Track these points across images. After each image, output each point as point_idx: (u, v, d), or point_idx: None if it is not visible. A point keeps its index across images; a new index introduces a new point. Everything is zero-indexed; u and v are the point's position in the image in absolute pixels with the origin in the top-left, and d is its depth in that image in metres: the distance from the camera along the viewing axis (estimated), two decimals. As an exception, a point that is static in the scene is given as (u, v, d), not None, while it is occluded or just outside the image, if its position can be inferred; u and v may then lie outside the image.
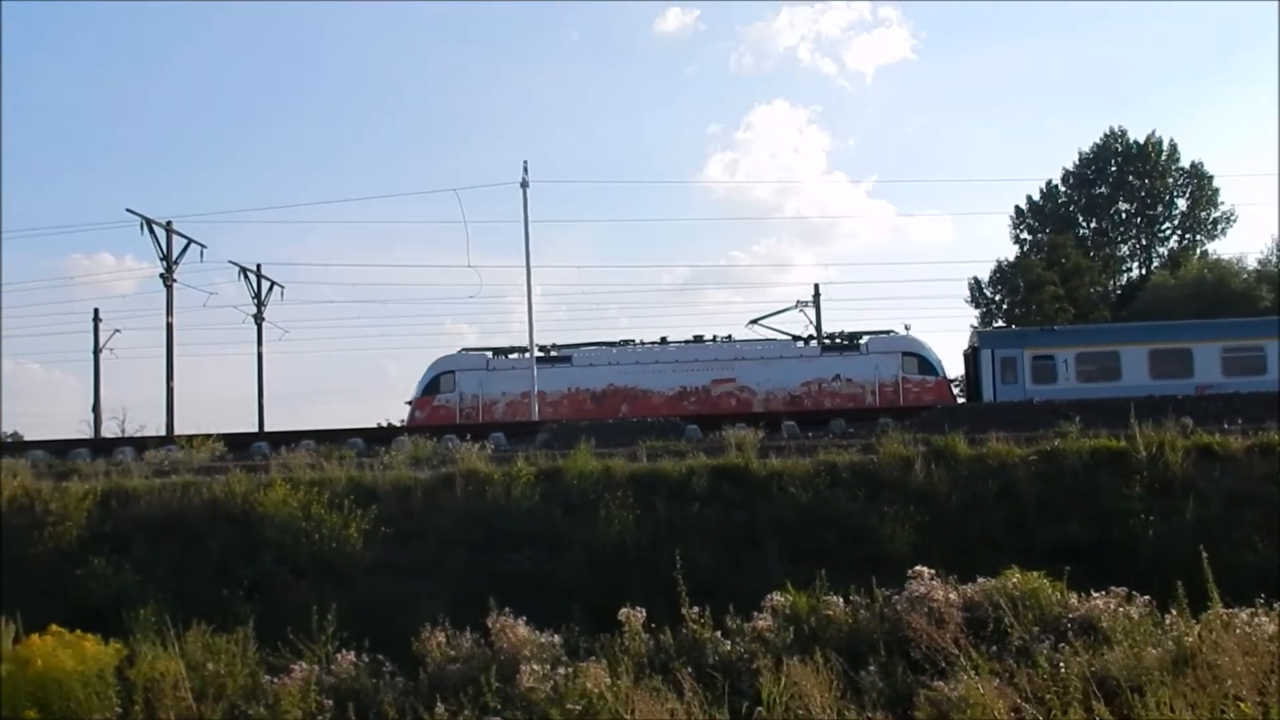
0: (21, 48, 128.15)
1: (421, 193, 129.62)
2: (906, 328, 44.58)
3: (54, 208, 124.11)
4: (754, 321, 46.53)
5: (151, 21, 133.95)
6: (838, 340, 43.92)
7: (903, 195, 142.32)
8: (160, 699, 10.47)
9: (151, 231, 44.46)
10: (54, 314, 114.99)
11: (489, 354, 44.12)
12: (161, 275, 44.62)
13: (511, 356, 43.89)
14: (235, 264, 52.17)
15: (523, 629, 11.53)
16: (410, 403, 44.02)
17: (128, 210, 44.37)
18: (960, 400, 41.91)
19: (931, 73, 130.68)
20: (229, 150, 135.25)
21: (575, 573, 14.93)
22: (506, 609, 11.80)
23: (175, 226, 45.23)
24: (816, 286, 57.39)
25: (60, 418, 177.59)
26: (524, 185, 40.88)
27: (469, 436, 21.18)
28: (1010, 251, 73.92)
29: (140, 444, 24.83)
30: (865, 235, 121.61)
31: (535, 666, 10.60)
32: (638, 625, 11.44)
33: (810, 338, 45.01)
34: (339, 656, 11.33)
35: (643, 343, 44.37)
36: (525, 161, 41.73)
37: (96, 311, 57.02)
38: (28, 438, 37.13)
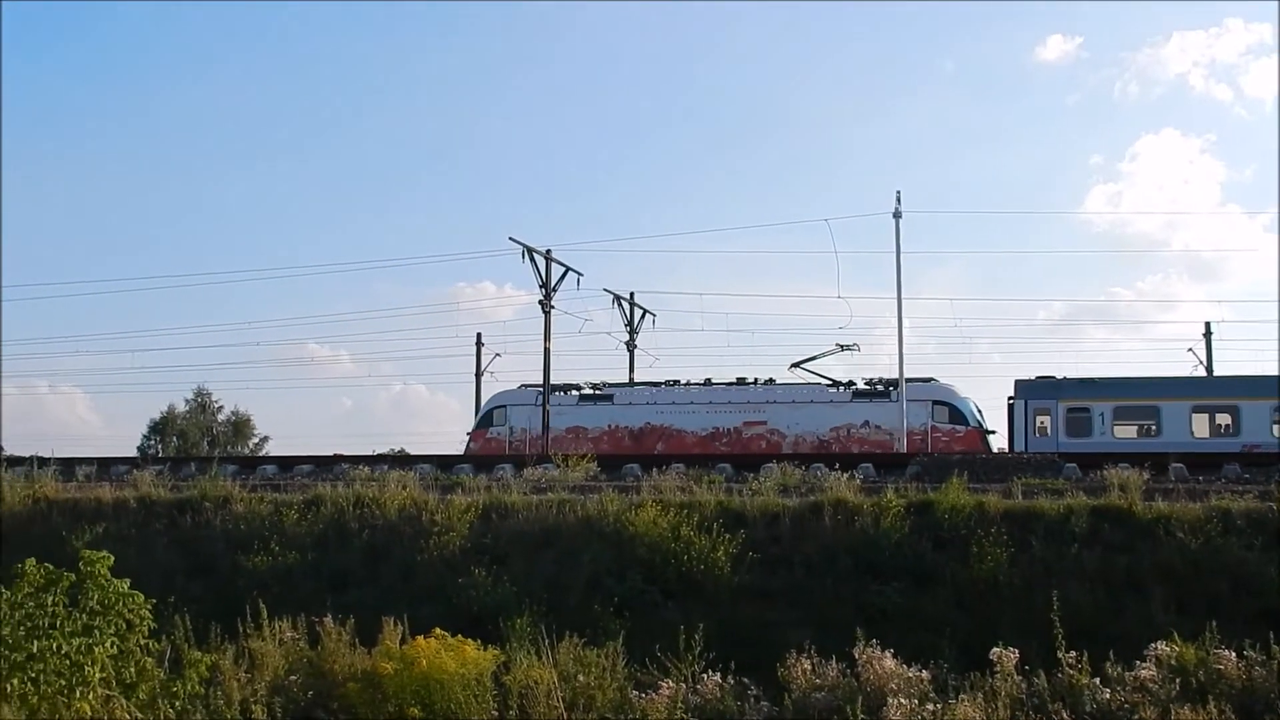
0: (407, 88, 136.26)
1: (792, 224, 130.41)
2: None
3: (443, 240, 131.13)
4: (796, 365, 46.01)
5: (530, 59, 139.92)
6: (875, 386, 43.08)
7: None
8: (534, 706, 10.73)
9: (532, 260, 46.16)
10: (440, 340, 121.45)
11: (540, 391, 45.60)
12: (540, 302, 46.20)
13: (559, 394, 45.96)
14: (610, 292, 53.61)
15: (890, 661, 11.28)
16: (469, 434, 46.56)
17: (510, 239, 46.20)
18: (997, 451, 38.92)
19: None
20: (607, 180, 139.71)
21: (944, 608, 14.57)
22: (873, 640, 11.57)
23: (554, 255, 46.85)
24: (1207, 325, 54.82)
25: (443, 436, 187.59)
26: (897, 216, 40.21)
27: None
28: None
29: (519, 461, 25.69)
30: (1262, 271, 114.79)
31: (903, 700, 10.34)
32: (1010, 666, 11.01)
33: (849, 383, 43.87)
34: (705, 677, 11.36)
35: (684, 383, 45.24)
36: (898, 192, 41.19)
37: (479, 336, 59.50)
38: (413, 453, 39.08)
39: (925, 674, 11.13)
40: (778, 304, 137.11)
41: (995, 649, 11.17)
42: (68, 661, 10.62)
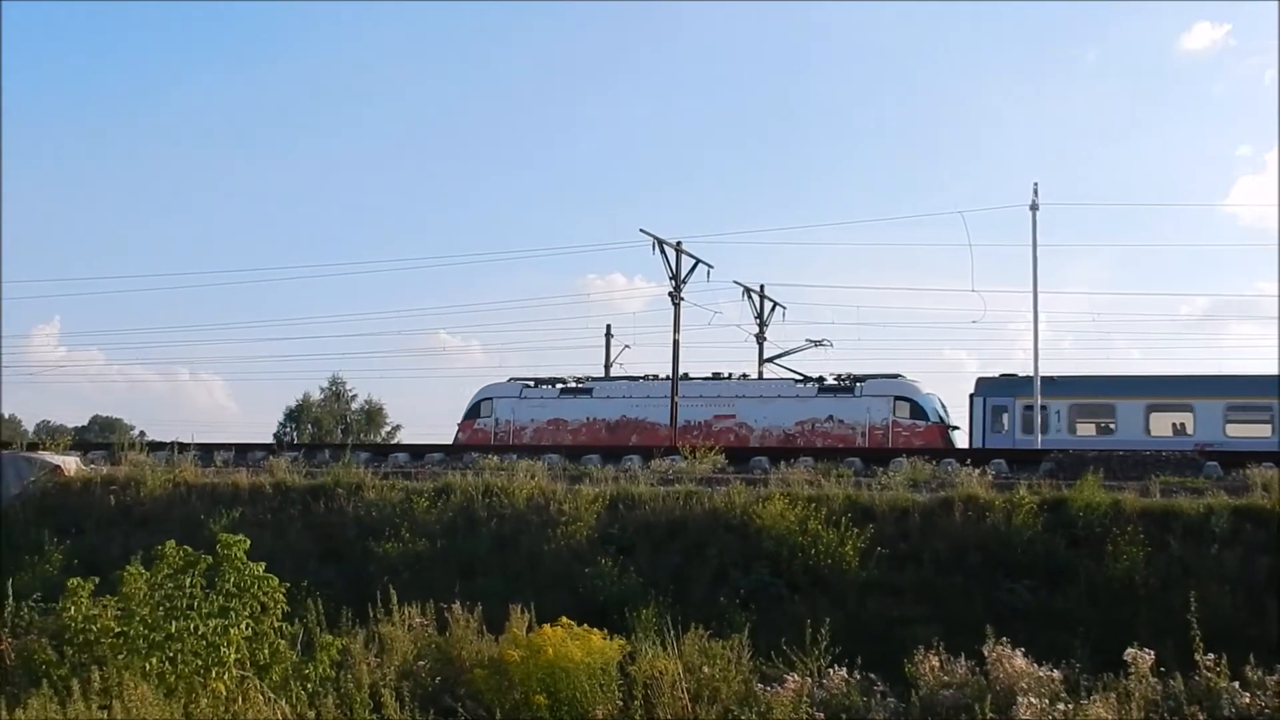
0: (545, 79, 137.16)
1: (926, 216, 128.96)
2: None
3: (576, 232, 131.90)
4: (770, 360, 47.56)
5: (665, 53, 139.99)
6: (841, 382, 44.14)
7: None
8: (658, 696, 10.73)
9: (662, 251, 46.02)
10: (570, 331, 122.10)
11: (528, 383, 47.94)
12: (670, 294, 46.10)
13: (542, 387, 47.75)
14: (740, 284, 53.33)
15: (1020, 660, 11.09)
16: (458, 424, 48.19)
17: (641, 231, 46.16)
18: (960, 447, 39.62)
19: None
20: (740, 173, 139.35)
21: (1076, 607, 14.28)
22: (1003, 638, 11.39)
23: (684, 247, 46.72)
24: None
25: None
26: (1033, 208, 39.54)
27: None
28: None
29: (645, 453, 25.73)
30: None
31: (1033, 700, 10.16)
32: (1145, 667, 10.75)
33: (818, 379, 45.06)
34: (831, 672, 11.27)
35: (663, 378, 46.01)
36: (1035, 184, 40.36)
37: (609, 328, 59.52)
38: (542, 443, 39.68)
39: (1057, 674, 10.92)
40: (910, 297, 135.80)
41: (1130, 650, 10.92)
42: (204, 642, 10.90)
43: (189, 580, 11.16)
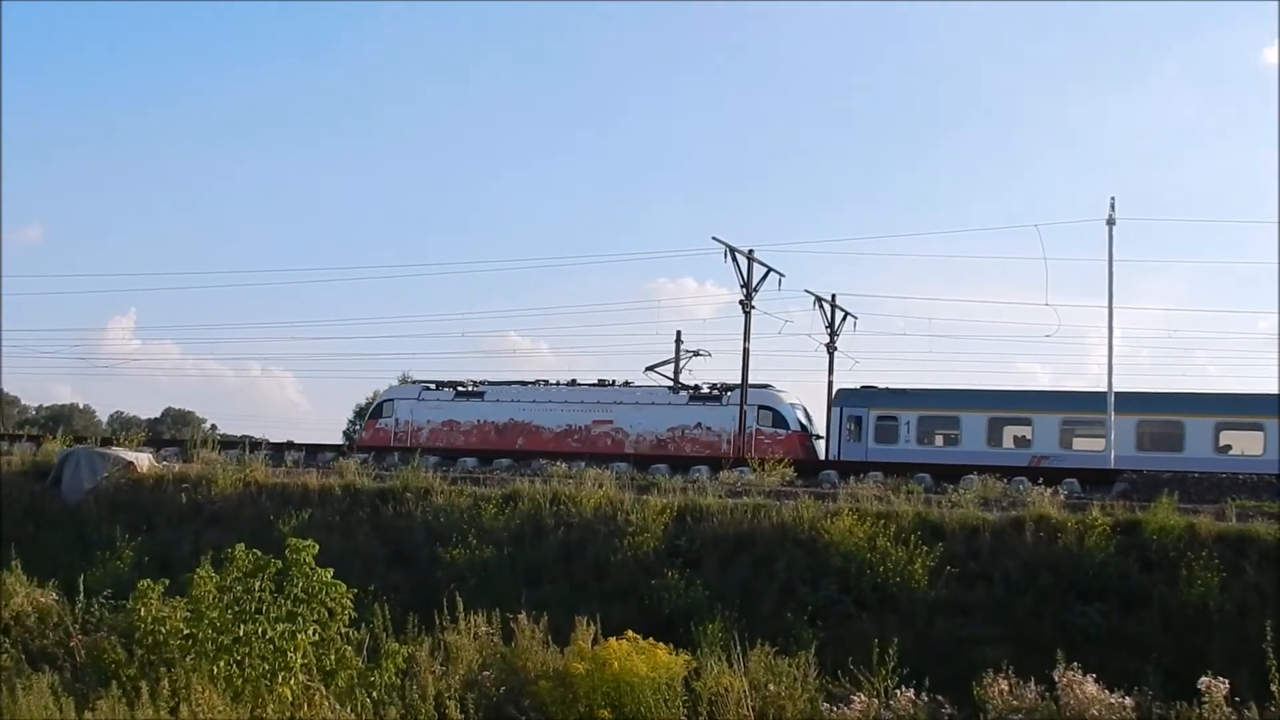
0: (621, 85, 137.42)
1: (1000, 228, 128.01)
2: None
3: (648, 236, 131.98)
4: (649, 368, 50.22)
5: (738, 60, 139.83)
6: (711, 391, 45.98)
7: None
8: (723, 713, 10.68)
9: (734, 259, 45.78)
10: (640, 335, 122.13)
11: (428, 386, 50.11)
12: (741, 302, 45.86)
13: (440, 390, 49.65)
14: (811, 293, 52.94)
15: (1091, 686, 10.95)
16: (363, 425, 51.06)
17: (713, 238, 46.24)
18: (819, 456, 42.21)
19: None
20: (816, 182, 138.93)
21: (1149, 632, 14.08)
22: (1074, 663, 11.24)
23: (756, 255, 46.51)
24: None
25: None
26: (1110, 223, 39.00)
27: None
28: None
29: (714, 464, 25.68)
30: None
31: (1104, 727, 10.02)
32: (1220, 697, 10.56)
33: (694, 387, 47.37)
34: (898, 693, 11.17)
35: (553, 383, 48.79)
36: (1112, 198, 39.89)
37: (679, 334, 59.26)
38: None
39: (1129, 700, 10.78)
40: (984, 309, 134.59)
41: (1204, 678, 10.74)
42: (271, 647, 10.94)
43: (258, 584, 11.22)
